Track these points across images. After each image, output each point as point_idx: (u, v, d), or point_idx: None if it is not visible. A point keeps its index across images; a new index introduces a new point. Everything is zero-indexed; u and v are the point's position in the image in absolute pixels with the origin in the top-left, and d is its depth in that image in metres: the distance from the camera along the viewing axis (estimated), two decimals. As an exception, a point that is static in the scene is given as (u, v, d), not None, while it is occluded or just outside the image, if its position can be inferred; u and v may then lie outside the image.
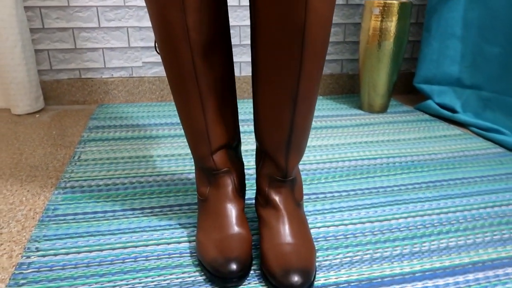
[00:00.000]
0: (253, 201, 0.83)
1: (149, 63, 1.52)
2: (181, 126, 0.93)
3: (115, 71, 1.51)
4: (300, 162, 1.03)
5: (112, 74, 1.52)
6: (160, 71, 1.54)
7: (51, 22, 1.41)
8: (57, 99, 1.50)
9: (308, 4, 0.49)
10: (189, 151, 1.09)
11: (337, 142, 1.17)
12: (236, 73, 1.58)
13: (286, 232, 0.64)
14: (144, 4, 1.44)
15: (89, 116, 1.37)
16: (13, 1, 1.27)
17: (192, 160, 1.02)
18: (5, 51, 1.30)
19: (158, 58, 1.52)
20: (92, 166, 0.99)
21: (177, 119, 1.34)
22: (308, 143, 1.16)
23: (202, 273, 0.63)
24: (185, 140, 1.17)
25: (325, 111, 1.46)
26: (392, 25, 1.31)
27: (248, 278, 0.62)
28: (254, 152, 1.07)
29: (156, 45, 0.61)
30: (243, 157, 1.04)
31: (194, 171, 0.90)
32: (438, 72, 1.43)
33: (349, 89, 1.69)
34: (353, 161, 1.04)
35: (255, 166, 0.79)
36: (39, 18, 1.40)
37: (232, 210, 0.67)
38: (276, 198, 0.66)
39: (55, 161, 1.02)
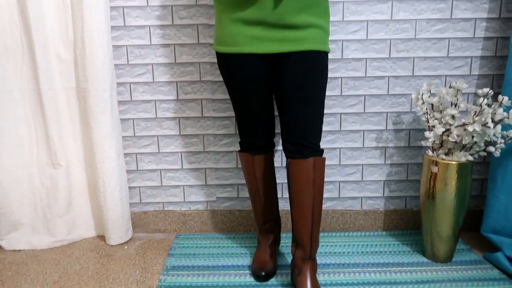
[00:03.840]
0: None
1: (222, 198, 1.70)
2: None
3: (193, 205, 1.72)
4: None
5: (190, 207, 1.72)
6: (231, 205, 1.71)
7: (143, 165, 1.68)
8: (143, 228, 1.73)
9: (315, 169, 1.20)
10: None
11: (394, 308, 1.18)
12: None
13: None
14: (219, 149, 1.65)
15: (167, 251, 1.56)
16: (115, 153, 1.56)
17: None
18: (106, 195, 1.56)
19: (230, 194, 1.70)
20: (165, 323, 1.13)
21: (243, 262, 1.47)
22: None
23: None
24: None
25: (387, 257, 1.48)
26: (452, 183, 1.34)
27: None
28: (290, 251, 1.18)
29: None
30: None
31: None
32: (507, 225, 1.39)
33: (413, 225, 1.69)
34: None
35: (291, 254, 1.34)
36: (135, 162, 1.68)
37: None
38: (307, 271, 1.24)
39: (135, 313, 1.19)
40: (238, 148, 1.42)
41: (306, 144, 1.19)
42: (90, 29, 1.44)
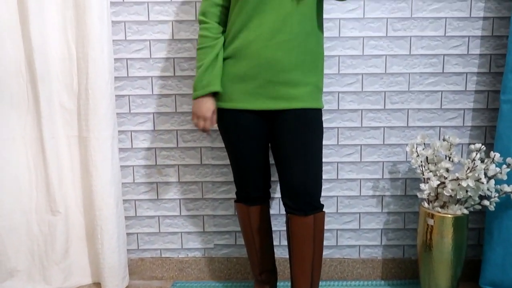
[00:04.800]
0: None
1: (219, 245, 1.70)
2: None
3: (190, 252, 1.71)
4: None
5: (187, 254, 1.71)
6: (229, 252, 1.70)
7: (142, 212, 1.69)
8: (139, 275, 1.71)
9: (316, 226, 1.24)
10: None
11: None
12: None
13: None
14: (218, 196, 1.66)
15: (164, 301, 1.54)
16: (114, 201, 1.57)
17: None
18: (104, 242, 1.56)
19: (228, 241, 1.70)
20: None
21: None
22: None
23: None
24: None
25: (385, 309, 1.46)
26: (448, 236, 1.35)
27: None
28: None
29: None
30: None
31: None
32: (505, 278, 1.39)
33: (412, 274, 1.68)
34: None
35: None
36: (134, 208, 1.69)
37: None
38: None
39: None
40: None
41: (306, 201, 1.21)
42: (94, 80, 1.49)
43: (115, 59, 1.58)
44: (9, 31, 1.48)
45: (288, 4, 1.17)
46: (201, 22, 1.28)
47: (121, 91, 1.61)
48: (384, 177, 1.64)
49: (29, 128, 1.56)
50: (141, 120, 1.64)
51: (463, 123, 1.61)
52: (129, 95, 1.62)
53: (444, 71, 1.58)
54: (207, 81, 1.22)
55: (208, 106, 1.24)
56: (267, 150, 1.34)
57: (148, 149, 1.65)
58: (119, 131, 1.62)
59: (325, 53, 1.50)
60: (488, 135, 1.60)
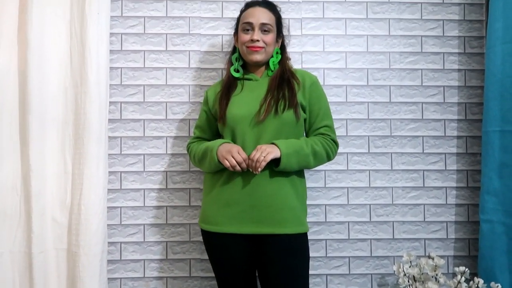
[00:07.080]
0: None
1: None
2: None
3: None
4: None
5: None
6: None
7: (127, 327, 1.64)
8: None
9: None
10: None
11: None
12: None
13: None
14: None
15: None
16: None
17: None
18: None
19: None
20: None
21: None
22: None
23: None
24: None
25: None
26: None
27: None
28: None
29: None
30: None
31: None
32: None
33: None
34: None
35: None
36: (119, 323, 1.64)
37: None
38: None
39: None
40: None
41: None
42: (88, 197, 1.52)
43: (109, 172, 1.63)
44: (9, 151, 1.54)
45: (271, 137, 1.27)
46: (188, 148, 1.48)
47: (113, 203, 1.65)
48: (373, 289, 1.65)
49: (18, 243, 1.55)
50: (131, 232, 1.65)
51: (447, 235, 1.65)
52: (120, 207, 1.65)
53: (425, 185, 1.66)
54: (213, 142, 1.32)
55: (226, 145, 1.27)
56: (255, 272, 1.35)
57: (137, 260, 1.64)
58: (109, 243, 1.62)
59: (311, 168, 1.59)
60: (472, 247, 1.65)
